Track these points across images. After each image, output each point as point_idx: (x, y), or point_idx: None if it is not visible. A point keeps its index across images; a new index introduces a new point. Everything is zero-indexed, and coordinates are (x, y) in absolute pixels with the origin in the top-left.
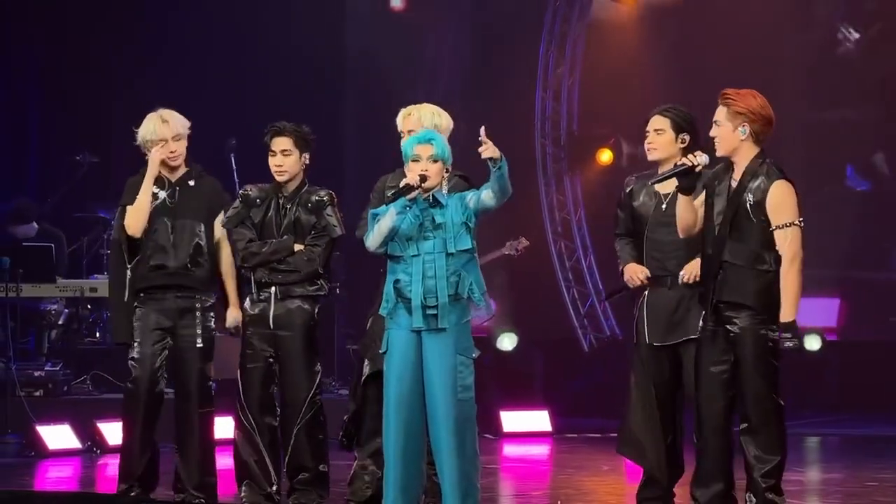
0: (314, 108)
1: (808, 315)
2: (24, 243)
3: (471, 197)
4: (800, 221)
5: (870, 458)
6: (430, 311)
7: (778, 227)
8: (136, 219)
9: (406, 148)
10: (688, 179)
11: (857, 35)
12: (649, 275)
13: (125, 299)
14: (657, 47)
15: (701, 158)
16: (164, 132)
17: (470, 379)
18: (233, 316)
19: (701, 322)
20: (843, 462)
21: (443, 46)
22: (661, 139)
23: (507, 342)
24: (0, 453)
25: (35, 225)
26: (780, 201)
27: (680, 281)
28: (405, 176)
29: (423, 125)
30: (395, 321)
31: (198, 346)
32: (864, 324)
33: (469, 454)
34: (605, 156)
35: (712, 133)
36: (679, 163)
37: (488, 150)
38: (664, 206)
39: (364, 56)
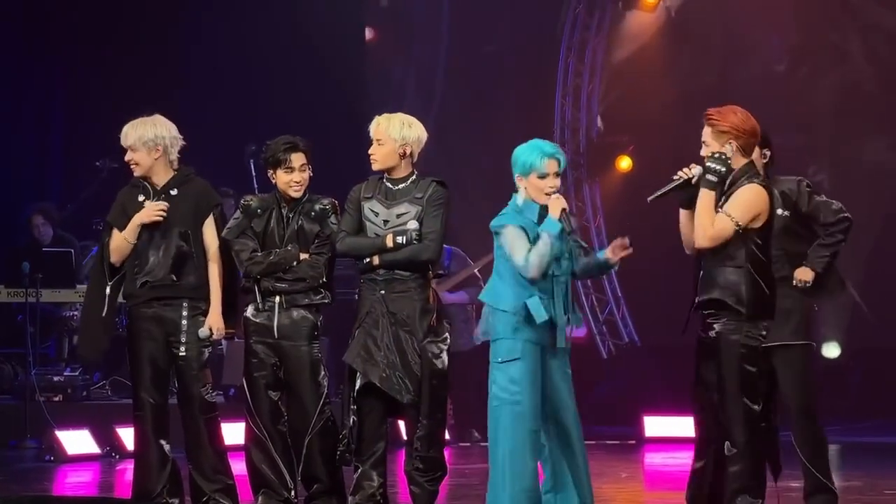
0: (332, 114)
1: None
2: (44, 248)
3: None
4: (737, 224)
5: (891, 466)
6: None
7: (720, 212)
8: (118, 254)
9: (534, 160)
10: (686, 192)
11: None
12: None
13: (103, 314)
14: (676, 54)
15: (695, 170)
16: (123, 140)
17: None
18: (208, 324)
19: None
20: (864, 470)
21: (456, 55)
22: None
23: None
24: (19, 458)
25: (51, 231)
26: (739, 196)
27: (796, 284)
28: (377, 185)
29: (391, 136)
30: (524, 332)
31: (180, 354)
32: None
33: None
34: (625, 163)
35: (703, 153)
36: (674, 177)
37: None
38: None
39: (377, 67)
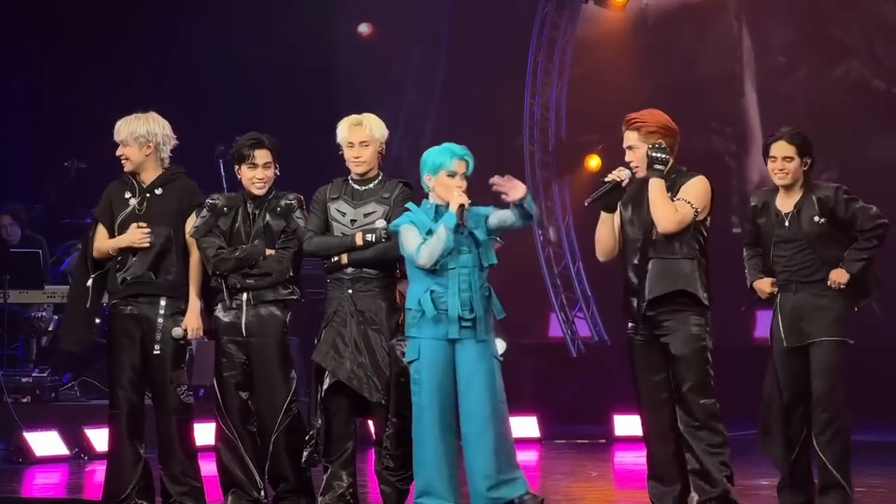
0: (303, 115)
1: None
2: (12, 249)
3: (492, 215)
4: (695, 209)
5: (860, 463)
6: (464, 323)
7: (678, 199)
8: (100, 253)
9: (444, 160)
10: (613, 196)
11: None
12: (774, 282)
13: (87, 306)
14: (645, 54)
15: (624, 173)
16: (115, 134)
17: (501, 381)
18: (184, 324)
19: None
20: None
21: (427, 55)
22: (791, 165)
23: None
24: None
25: (19, 231)
26: (693, 186)
27: (831, 286)
28: (343, 187)
29: (375, 136)
30: (423, 330)
31: (154, 353)
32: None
33: (512, 451)
34: (594, 162)
35: (628, 158)
36: (605, 179)
37: (515, 190)
38: (786, 223)
39: (350, 64)
